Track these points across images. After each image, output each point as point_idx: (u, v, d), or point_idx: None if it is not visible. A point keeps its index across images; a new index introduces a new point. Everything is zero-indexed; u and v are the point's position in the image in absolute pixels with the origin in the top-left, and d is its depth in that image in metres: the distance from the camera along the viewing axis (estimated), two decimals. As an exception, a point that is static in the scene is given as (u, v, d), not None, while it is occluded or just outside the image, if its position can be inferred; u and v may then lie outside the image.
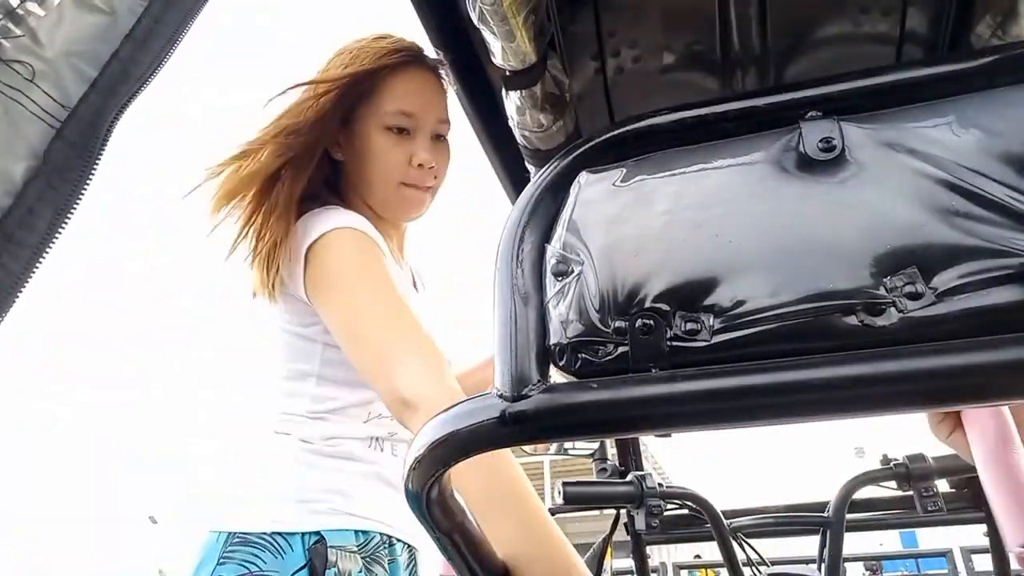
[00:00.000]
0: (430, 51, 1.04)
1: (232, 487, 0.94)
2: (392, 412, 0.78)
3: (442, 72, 1.05)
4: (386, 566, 0.94)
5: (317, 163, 0.96)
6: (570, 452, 1.76)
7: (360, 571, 0.88)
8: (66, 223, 0.43)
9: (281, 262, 0.89)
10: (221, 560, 0.86)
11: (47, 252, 0.43)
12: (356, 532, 0.90)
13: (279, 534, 0.85)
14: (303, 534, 0.86)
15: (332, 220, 0.89)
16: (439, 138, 1.03)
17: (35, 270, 0.42)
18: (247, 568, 0.84)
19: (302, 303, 0.93)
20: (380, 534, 0.94)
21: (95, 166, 0.44)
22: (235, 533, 0.88)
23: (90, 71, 0.43)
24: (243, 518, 0.89)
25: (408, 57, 0.99)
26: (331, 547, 0.86)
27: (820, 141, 0.37)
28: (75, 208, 0.44)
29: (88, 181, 0.44)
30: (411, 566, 1.02)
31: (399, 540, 0.98)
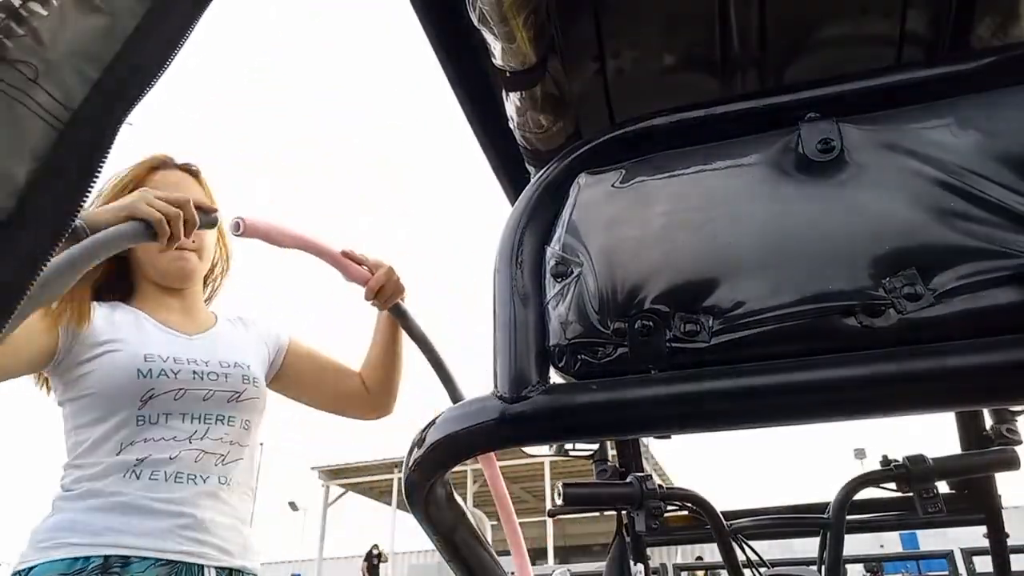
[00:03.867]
0: (183, 158, 1.25)
1: None
2: None
3: (195, 169, 1.25)
4: None
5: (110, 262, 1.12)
6: (570, 453, 1.76)
7: None
8: (70, 225, 0.43)
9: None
10: None
11: (51, 255, 0.42)
12: (72, 559, 0.99)
13: (16, 572, 1.00)
14: (27, 570, 1.00)
15: None
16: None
17: (40, 272, 0.42)
18: None
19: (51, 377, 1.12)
20: (106, 557, 1.01)
21: (99, 168, 0.44)
22: None
23: (92, 72, 0.43)
24: (14, 565, 1.04)
25: (156, 163, 1.19)
26: (35, 575, 0.98)
27: (819, 142, 0.37)
28: (79, 210, 0.43)
29: (92, 183, 0.44)
30: None
31: (145, 558, 1.03)
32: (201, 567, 1.06)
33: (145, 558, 1.02)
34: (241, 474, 1.15)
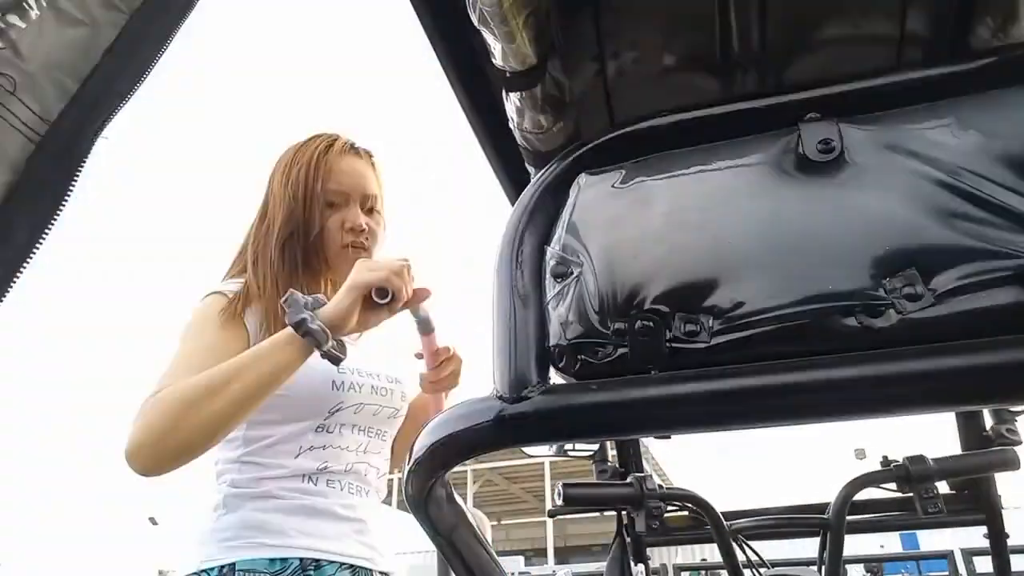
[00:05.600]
0: (359, 141, 1.23)
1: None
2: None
3: (372, 156, 1.24)
4: None
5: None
6: (570, 453, 1.76)
7: None
8: (45, 237, 0.43)
9: None
10: None
11: (26, 265, 0.42)
12: (271, 560, 0.99)
13: (204, 571, 0.98)
14: (221, 566, 0.98)
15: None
16: (371, 211, 1.20)
17: (14, 283, 0.42)
18: None
19: None
20: (301, 559, 1.01)
21: (75, 180, 0.44)
22: None
23: (71, 85, 0.43)
24: (186, 563, 1.02)
25: (333, 146, 1.19)
26: (240, 570, 0.97)
27: (819, 143, 0.37)
28: (55, 222, 0.43)
29: (68, 195, 0.44)
30: None
31: (333, 562, 1.04)
32: (371, 571, 1.09)
33: (333, 562, 1.04)
34: (386, 488, 1.18)
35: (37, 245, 0.42)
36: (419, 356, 1.12)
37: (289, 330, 0.89)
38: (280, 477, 1.04)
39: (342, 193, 1.16)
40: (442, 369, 1.10)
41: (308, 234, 1.13)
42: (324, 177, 1.15)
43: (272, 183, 1.19)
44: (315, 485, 1.05)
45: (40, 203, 0.42)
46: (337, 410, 1.08)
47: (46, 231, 0.43)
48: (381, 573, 1.11)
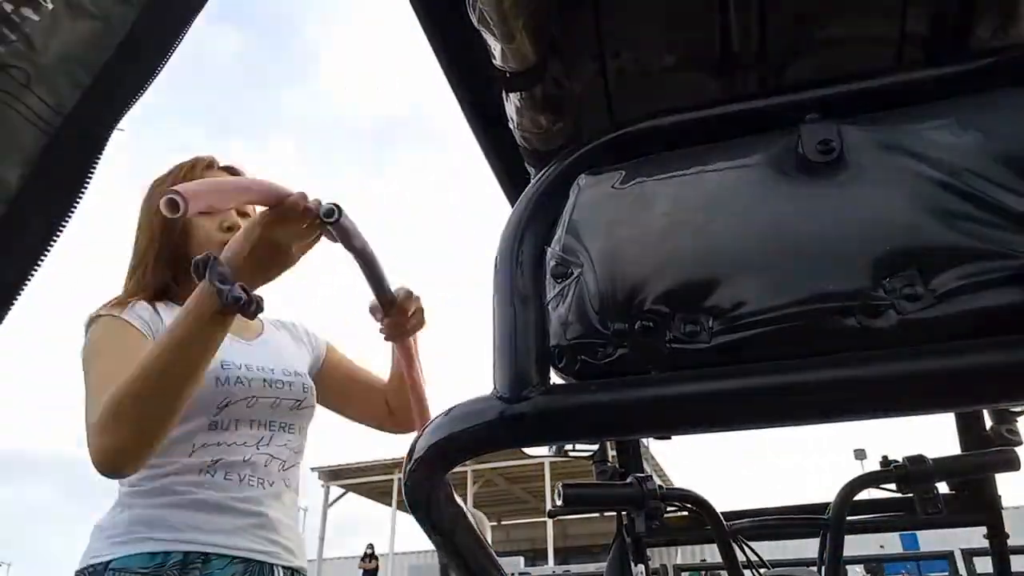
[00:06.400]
0: (224, 159, 1.25)
1: None
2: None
3: (236, 171, 1.25)
4: None
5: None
6: (570, 454, 1.76)
7: None
8: (61, 231, 0.43)
9: None
10: None
11: (43, 260, 0.42)
12: (150, 554, 1.00)
13: (90, 566, 1.00)
14: (103, 564, 0.99)
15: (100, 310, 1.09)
16: (244, 216, 1.19)
17: (31, 278, 0.42)
18: None
19: None
20: (186, 553, 1.01)
21: (90, 174, 0.44)
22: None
23: (84, 78, 0.43)
24: (81, 561, 1.04)
25: (204, 164, 1.20)
26: (112, 569, 0.98)
27: (819, 143, 0.37)
28: (71, 216, 0.43)
29: (84, 189, 0.43)
30: None
31: (221, 555, 1.04)
32: (272, 566, 1.08)
33: (223, 555, 1.03)
34: (296, 479, 1.18)
35: (54, 238, 0.42)
36: (374, 311, 1.07)
37: (204, 287, 0.85)
38: (175, 473, 1.04)
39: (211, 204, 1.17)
40: (402, 314, 1.05)
41: (184, 243, 1.13)
42: None
43: (142, 220, 1.17)
44: (212, 477, 1.05)
45: (55, 196, 0.42)
46: (226, 405, 1.07)
47: (63, 224, 0.43)
48: (286, 569, 1.09)
